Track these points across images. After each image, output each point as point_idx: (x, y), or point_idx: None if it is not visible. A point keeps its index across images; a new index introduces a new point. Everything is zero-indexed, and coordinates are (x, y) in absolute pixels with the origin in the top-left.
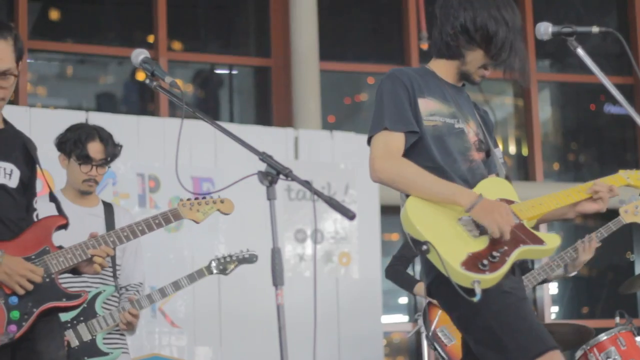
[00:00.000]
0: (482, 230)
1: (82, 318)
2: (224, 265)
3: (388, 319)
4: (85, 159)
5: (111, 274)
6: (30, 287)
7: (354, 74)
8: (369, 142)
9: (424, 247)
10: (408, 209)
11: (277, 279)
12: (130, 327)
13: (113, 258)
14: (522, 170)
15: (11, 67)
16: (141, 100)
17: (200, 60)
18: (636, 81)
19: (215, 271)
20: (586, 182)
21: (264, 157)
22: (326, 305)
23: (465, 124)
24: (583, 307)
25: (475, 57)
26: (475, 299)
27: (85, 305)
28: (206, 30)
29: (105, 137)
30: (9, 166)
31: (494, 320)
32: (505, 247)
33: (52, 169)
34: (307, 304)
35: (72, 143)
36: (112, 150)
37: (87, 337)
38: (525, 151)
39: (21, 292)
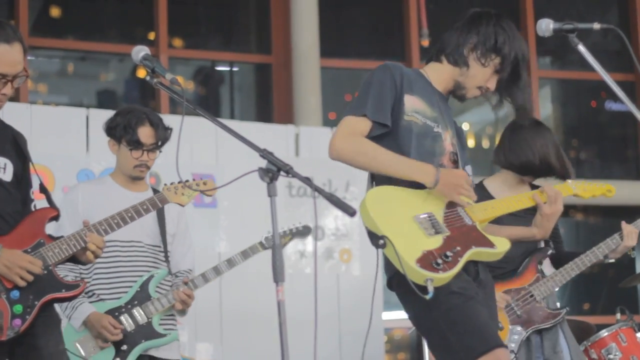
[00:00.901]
0: (437, 230)
1: (136, 302)
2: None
3: (389, 315)
4: (135, 144)
5: (163, 259)
6: (30, 278)
7: (355, 70)
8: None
9: (381, 242)
10: (367, 202)
11: (278, 275)
12: (185, 306)
13: (164, 243)
14: None
15: (22, 68)
16: (142, 97)
17: (201, 57)
18: (637, 78)
19: (268, 246)
20: (531, 191)
21: (265, 153)
22: (327, 301)
23: (444, 131)
24: (584, 304)
25: (478, 74)
26: (428, 297)
27: (138, 288)
28: (207, 27)
29: (155, 121)
30: (2, 160)
31: (442, 320)
32: (458, 248)
33: (52, 164)
34: (308, 300)
35: (122, 128)
36: (163, 134)
37: (143, 320)
38: None
39: (22, 283)
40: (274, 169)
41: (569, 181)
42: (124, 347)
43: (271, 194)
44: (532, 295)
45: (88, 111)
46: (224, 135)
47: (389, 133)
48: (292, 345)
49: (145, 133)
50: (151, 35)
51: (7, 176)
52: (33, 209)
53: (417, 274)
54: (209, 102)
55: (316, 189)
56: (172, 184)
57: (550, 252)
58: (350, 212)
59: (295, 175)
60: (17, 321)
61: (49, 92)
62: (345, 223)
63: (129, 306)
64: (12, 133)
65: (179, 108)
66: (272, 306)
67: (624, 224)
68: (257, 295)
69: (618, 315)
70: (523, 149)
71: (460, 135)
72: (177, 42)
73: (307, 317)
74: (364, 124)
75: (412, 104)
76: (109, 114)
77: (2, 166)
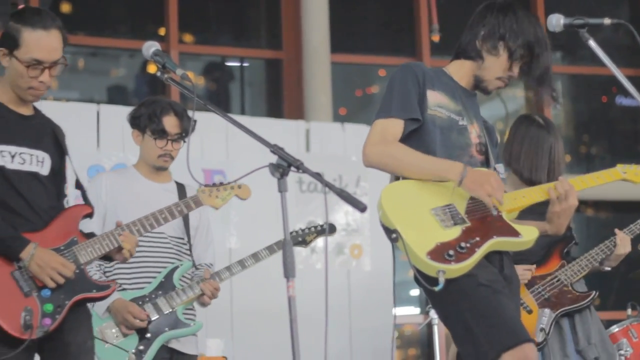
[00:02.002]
0: (455, 221)
1: (160, 292)
2: (303, 237)
3: (399, 311)
4: (160, 133)
5: (187, 251)
6: (61, 280)
7: (365, 66)
8: None
9: (394, 236)
10: (383, 198)
11: (289, 271)
12: (213, 297)
13: (188, 235)
14: None
15: (60, 56)
16: (152, 92)
17: (211, 53)
18: None
19: (294, 242)
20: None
21: (275, 149)
22: (337, 297)
23: (470, 124)
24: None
25: (494, 64)
26: (437, 289)
27: (163, 279)
28: (217, 23)
29: (180, 111)
30: (41, 154)
31: (468, 313)
32: (477, 238)
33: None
34: (319, 296)
35: (146, 118)
36: (187, 124)
37: (166, 309)
38: None
39: (52, 285)
40: (284, 165)
41: (619, 166)
42: (148, 335)
43: (282, 189)
44: (558, 280)
45: (99, 107)
46: (235, 131)
47: (418, 130)
48: (303, 341)
49: (170, 122)
50: (162, 31)
51: (45, 170)
52: (66, 205)
53: (428, 266)
54: (219, 97)
55: (327, 184)
56: (206, 186)
57: (574, 242)
58: (361, 208)
59: (305, 170)
60: (47, 320)
61: (59, 87)
62: (355, 218)
63: (153, 296)
64: (52, 127)
65: (189, 104)
66: (282, 302)
67: (617, 231)
68: (267, 291)
69: (629, 311)
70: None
71: (491, 134)
72: (188, 37)
73: (318, 312)
74: (394, 126)
75: (435, 98)
76: (119, 109)
77: (41, 160)
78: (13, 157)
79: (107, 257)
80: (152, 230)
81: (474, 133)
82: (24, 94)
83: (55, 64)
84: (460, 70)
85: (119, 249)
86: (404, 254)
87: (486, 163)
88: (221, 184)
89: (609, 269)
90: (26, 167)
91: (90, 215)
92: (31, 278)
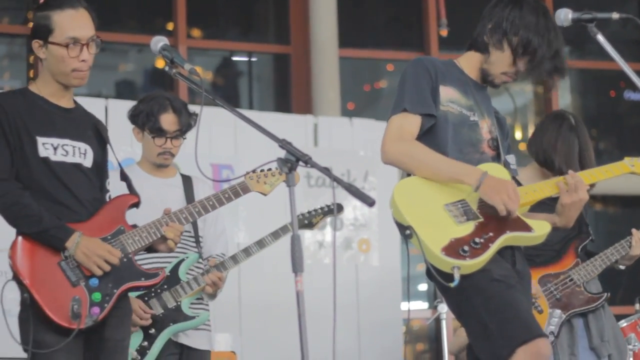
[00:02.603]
0: (468, 217)
1: (165, 286)
2: (309, 220)
3: (407, 306)
4: (158, 132)
5: (193, 243)
6: (108, 268)
7: (374, 60)
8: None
9: (407, 232)
10: (395, 194)
11: (297, 265)
12: (215, 288)
13: (195, 228)
14: None
15: (94, 33)
16: (160, 87)
17: (219, 48)
18: None
19: (299, 226)
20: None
21: (284, 144)
22: (346, 292)
23: (481, 119)
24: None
25: (499, 59)
26: (452, 285)
27: (168, 273)
28: (225, 18)
29: (178, 107)
30: (83, 146)
31: (482, 308)
32: (491, 234)
33: None
34: (327, 290)
35: (144, 116)
36: (187, 120)
37: (171, 303)
38: None
39: (99, 273)
40: (292, 159)
41: (626, 159)
42: (152, 331)
43: (290, 184)
44: (571, 279)
45: (107, 101)
46: (243, 126)
47: (432, 126)
48: (311, 336)
49: (167, 120)
50: (170, 26)
51: (88, 162)
52: (107, 200)
53: (442, 262)
54: (227, 92)
55: (335, 179)
56: (254, 171)
57: (590, 238)
58: (369, 202)
59: (314, 165)
60: (96, 309)
61: None
62: (363, 213)
63: (159, 290)
64: (93, 120)
65: (197, 98)
66: (291, 297)
67: (634, 232)
68: (275, 285)
69: (637, 306)
70: (537, 142)
71: (502, 126)
72: (196, 32)
73: (326, 307)
74: (411, 122)
75: (447, 94)
76: (128, 104)
77: (83, 152)
78: (56, 149)
79: (152, 249)
80: (199, 217)
81: (485, 128)
82: (68, 79)
83: (91, 41)
84: (470, 63)
85: (164, 239)
86: (414, 249)
87: (497, 158)
88: (269, 169)
89: (623, 267)
90: (69, 159)
91: (137, 204)
92: (78, 267)
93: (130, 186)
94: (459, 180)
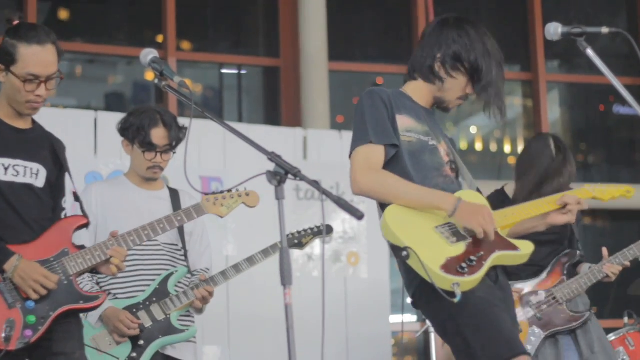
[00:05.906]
0: (458, 238)
1: (154, 299)
2: (299, 240)
3: (396, 318)
4: (148, 146)
5: (181, 257)
6: (43, 292)
7: (363, 74)
8: (350, 155)
9: (404, 253)
10: (387, 218)
11: (286, 278)
12: (205, 303)
13: (183, 241)
14: None
15: (56, 70)
16: (150, 100)
17: (209, 60)
18: None
19: (290, 245)
20: (553, 195)
21: (273, 156)
22: (334, 305)
23: (438, 143)
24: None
25: (455, 86)
26: (456, 300)
27: (157, 286)
28: (215, 30)
29: (168, 122)
30: (35, 166)
31: (465, 327)
32: (482, 252)
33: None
34: (316, 303)
35: (135, 130)
36: (177, 134)
37: (160, 316)
38: None
39: (34, 297)
40: (281, 172)
41: (586, 185)
42: (141, 343)
43: (279, 197)
44: (554, 298)
45: (96, 114)
46: (232, 138)
47: (394, 156)
48: (300, 348)
49: (158, 134)
50: (159, 38)
51: (40, 182)
52: (63, 218)
53: (443, 280)
54: (217, 105)
55: (324, 192)
56: (212, 193)
57: (579, 254)
58: (358, 215)
59: (303, 178)
60: (28, 332)
61: (57, 94)
62: (352, 226)
63: (147, 303)
64: (51, 140)
65: (187, 111)
66: (279, 309)
67: (605, 266)
68: (264, 298)
69: (626, 319)
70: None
71: (453, 145)
72: (186, 45)
73: (315, 320)
74: (376, 153)
75: (403, 122)
76: (117, 116)
77: (35, 172)
78: (7, 169)
79: (95, 271)
80: (148, 240)
81: (443, 152)
82: (21, 108)
83: (51, 78)
84: (418, 92)
85: (107, 261)
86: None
87: (457, 179)
88: (229, 191)
89: (611, 280)
90: (20, 179)
91: (86, 225)
92: (16, 289)
93: (82, 208)
94: (435, 207)
